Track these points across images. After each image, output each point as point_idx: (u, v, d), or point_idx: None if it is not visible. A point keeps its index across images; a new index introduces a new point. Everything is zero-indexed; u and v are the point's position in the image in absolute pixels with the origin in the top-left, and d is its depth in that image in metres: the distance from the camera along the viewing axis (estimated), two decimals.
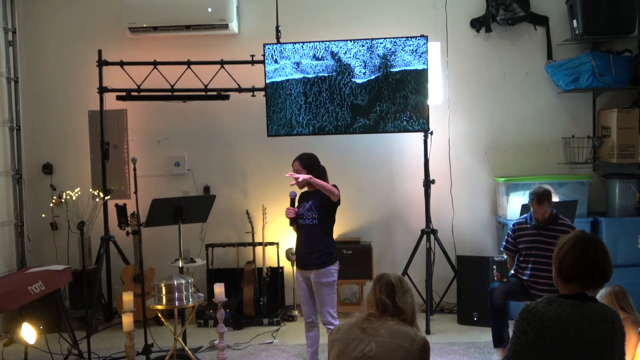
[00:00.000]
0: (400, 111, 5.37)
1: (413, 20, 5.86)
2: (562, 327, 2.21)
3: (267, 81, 5.44)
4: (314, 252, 4.21)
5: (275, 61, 5.39)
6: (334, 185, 4.25)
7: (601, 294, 3.50)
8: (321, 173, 4.35)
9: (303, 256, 4.29)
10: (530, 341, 2.23)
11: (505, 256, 4.55)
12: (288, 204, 4.35)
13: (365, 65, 5.34)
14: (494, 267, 4.53)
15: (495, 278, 4.50)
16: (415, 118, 5.37)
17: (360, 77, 5.37)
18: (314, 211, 4.23)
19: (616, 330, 2.25)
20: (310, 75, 5.39)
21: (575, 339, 2.19)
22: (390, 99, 5.37)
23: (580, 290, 2.30)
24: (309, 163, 4.29)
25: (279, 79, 5.43)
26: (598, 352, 2.20)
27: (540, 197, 4.36)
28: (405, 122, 5.37)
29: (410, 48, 5.32)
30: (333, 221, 4.34)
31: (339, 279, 4.39)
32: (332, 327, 4.13)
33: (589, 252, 2.28)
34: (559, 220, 4.47)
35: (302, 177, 4.19)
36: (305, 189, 4.38)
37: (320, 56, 5.36)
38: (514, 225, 4.66)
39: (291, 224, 4.35)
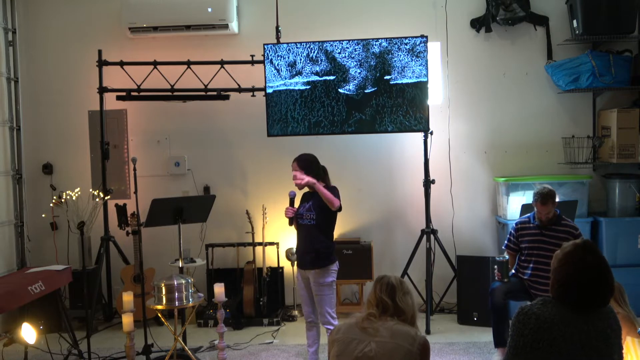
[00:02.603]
0: (397, 105, 5.36)
1: (413, 20, 5.86)
2: (558, 328, 2.21)
3: (269, 90, 5.44)
4: (312, 252, 4.20)
5: (281, 76, 5.37)
6: (336, 192, 4.26)
7: None
8: (322, 173, 4.35)
9: (302, 256, 4.29)
10: (527, 344, 2.23)
11: (506, 256, 4.55)
12: (288, 204, 4.35)
13: (360, 65, 5.33)
14: (495, 267, 4.52)
15: (496, 278, 4.49)
16: (412, 112, 5.34)
17: (356, 77, 5.35)
18: (313, 212, 4.22)
19: (612, 326, 2.26)
20: (304, 88, 5.38)
21: (572, 339, 2.20)
22: (387, 93, 5.35)
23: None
24: (307, 164, 4.29)
25: (281, 88, 5.43)
26: (596, 350, 2.20)
27: (544, 197, 4.35)
28: (402, 117, 5.35)
29: (407, 47, 5.31)
30: (333, 222, 4.33)
31: (339, 279, 4.39)
32: (331, 327, 4.13)
33: (586, 288, 2.25)
34: (562, 220, 4.46)
35: (307, 179, 4.19)
36: (306, 189, 4.38)
37: (314, 57, 5.35)
38: (516, 224, 4.65)
39: (290, 223, 4.35)
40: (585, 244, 2.32)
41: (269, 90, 5.43)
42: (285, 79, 5.41)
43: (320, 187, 4.18)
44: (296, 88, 5.40)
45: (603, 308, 2.29)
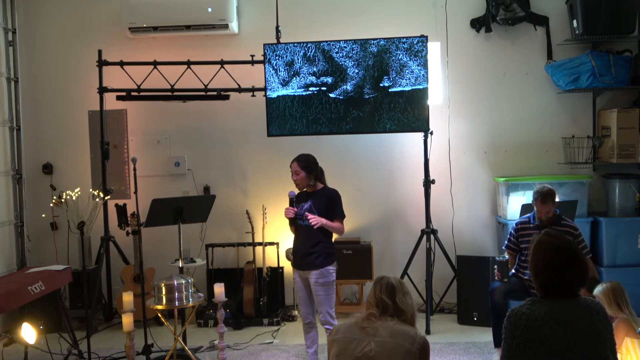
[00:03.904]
0: (395, 102, 5.35)
1: (413, 20, 5.86)
2: (549, 326, 2.22)
3: (273, 96, 5.44)
4: (313, 252, 4.19)
5: (280, 78, 5.37)
6: (340, 203, 4.28)
7: (598, 290, 3.52)
8: (319, 174, 4.34)
9: (301, 257, 4.27)
10: (520, 345, 2.24)
11: (506, 256, 4.55)
12: (288, 204, 4.34)
13: (358, 65, 5.33)
14: (495, 267, 4.52)
15: (496, 278, 4.49)
16: (410, 109, 5.34)
17: (354, 77, 5.35)
18: (314, 212, 4.21)
19: (603, 322, 2.27)
20: (305, 94, 5.38)
21: (564, 336, 2.21)
22: (384, 91, 5.36)
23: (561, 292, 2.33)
24: (307, 164, 4.27)
25: (282, 94, 5.43)
26: (589, 346, 2.21)
27: (544, 196, 4.36)
28: (400, 114, 5.35)
29: (405, 46, 5.31)
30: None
31: (339, 279, 4.39)
32: (330, 327, 4.13)
33: (559, 269, 2.31)
34: (562, 220, 4.47)
35: (320, 222, 4.15)
36: (305, 189, 4.37)
37: (312, 56, 5.35)
38: (516, 224, 4.65)
39: (291, 224, 4.34)
40: (549, 233, 2.44)
41: (273, 96, 5.42)
42: (284, 79, 5.41)
43: (329, 222, 4.19)
44: (297, 94, 5.40)
45: (590, 301, 2.31)
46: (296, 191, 4.38)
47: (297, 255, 4.32)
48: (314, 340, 4.35)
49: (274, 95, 5.44)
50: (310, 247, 4.21)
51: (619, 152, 5.42)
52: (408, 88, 5.32)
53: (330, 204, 4.24)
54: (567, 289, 2.30)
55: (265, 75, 5.44)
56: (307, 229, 4.24)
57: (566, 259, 2.31)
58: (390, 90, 5.32)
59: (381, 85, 5.34)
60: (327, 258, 4.21)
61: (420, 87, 5.31)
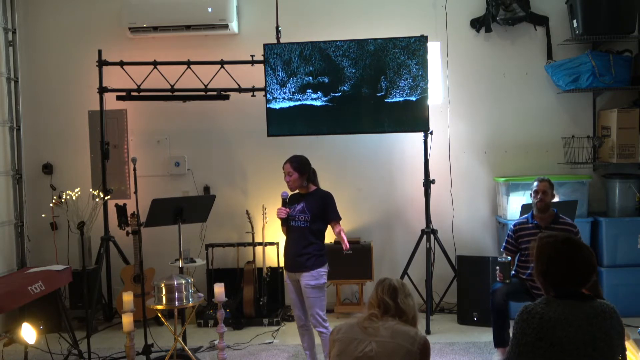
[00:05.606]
0: (394, 102, 5.34)
1: (413, 20, 5.86)
2: (562, 326, 2.21)
3: (275, 106, 5.46)
4: (304, 254, 4.15)
5: (278, 79, 5.38)
6: (334, 202, 4.28)
7: None
8: (312, 175, 4.32)
9: (292, 258, 4.22)
10: (530, 342, 2.23)
11: (509, 257, 4.53)
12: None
13: (355, 64, 5.33)
14: (497, 267, 4.51)
15: (498, 279, 4.48)
16: (409, 109, 5.33)
17: (352, 77, 5.35)
18: (307, 214, 4.18)
19: (615, 327, 2.26)
20: (302, 101, 5.39)
21: (576, 338, 2.20)
22: (382, 98, 5.36)
23: (574, 288, 2.33)
24: (299, 165, 4.24)
25: (284, 105, 5.45)
26: (599, 350, 2.21)
27: (542, 178, 4.47)
28: (399, 114, 5.34)
29: (402, 44, 5.31)
30: (326, 224, 4.29)
31: (339, 278, 4.37)
32: (321, 328, 4.12)
33: (567, 263, 2.31)
34: (560, 219, 4.48)
35: (346, 242, 4.18)
36: (298, 190, 4.36)
37: (309, 55, 5.35)
38: (514, 225, 4.66)
39: (283, 225, 4.32)
40: (546, 234, 2.44)
41: (276, 107, 5.43)
42: (283, 79, 5.41)
43: (344, 236, 4.21)
44: (298, 104, 5.40)
45: (605, 305, 2.30)
46: (288, 191, 4.37)
47: (288, 257, 4.28)
48: (310, 342, 4.32)
49: (276, 106, 5.44)
50: (302, 249, 4.17)
51: (619, 152, 5.42)
52: (407, 88, 5.32)
53: (326, 206, 4.22)
54: (578, 282, 2.30)
55: (265, 75, 5.44)
56: (298, 230, 4.21)
57: (569, 249, 2.32)
58: (388, 98, 5.33)
59: (379, 94, 5.33)
60: (319, 260, 4.17)
61: (420, 87, 5.32)
